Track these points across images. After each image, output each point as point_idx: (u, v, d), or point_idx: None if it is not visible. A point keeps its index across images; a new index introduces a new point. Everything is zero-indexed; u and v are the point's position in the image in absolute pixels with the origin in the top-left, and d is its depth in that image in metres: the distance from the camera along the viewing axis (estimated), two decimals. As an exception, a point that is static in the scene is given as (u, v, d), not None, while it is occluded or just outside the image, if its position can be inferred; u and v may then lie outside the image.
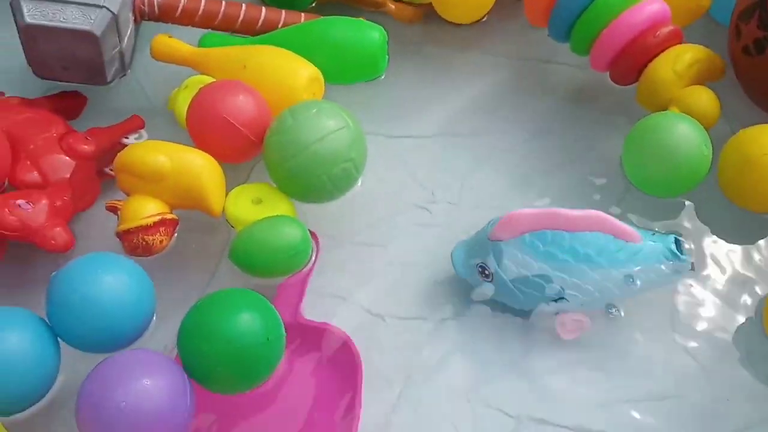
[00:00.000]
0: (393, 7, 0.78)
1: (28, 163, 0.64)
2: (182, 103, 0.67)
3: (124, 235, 0.60)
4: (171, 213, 0.61)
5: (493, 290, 0.60)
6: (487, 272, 0.59)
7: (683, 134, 0.63)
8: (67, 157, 0.65)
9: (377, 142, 0.69)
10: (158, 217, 0.59)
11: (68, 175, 0.64)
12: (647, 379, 0.59)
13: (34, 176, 0.64)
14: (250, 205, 0.61)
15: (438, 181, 0.70)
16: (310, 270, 0.62)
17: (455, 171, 0.71)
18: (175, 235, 0.61)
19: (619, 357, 0.60)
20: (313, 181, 0.60)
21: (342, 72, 0.71)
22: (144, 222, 0.59)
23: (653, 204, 0.67)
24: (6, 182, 0.63)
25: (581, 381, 0.59)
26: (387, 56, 0.72)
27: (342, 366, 0.58)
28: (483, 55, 0.79)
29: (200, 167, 0.60)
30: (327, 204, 0.64)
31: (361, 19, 0.72)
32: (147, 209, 0.60)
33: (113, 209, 0.62)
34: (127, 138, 0.69)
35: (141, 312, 0.55)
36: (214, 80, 0.67)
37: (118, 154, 0.62)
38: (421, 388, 0.59)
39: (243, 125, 0.62)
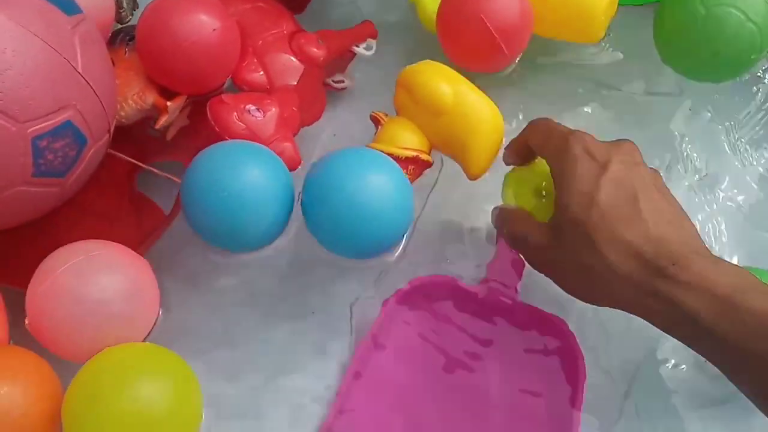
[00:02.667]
0: None
1: (255, 61, 0.52)
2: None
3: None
4: (428, 153, 0.48)
5: None
6: None
7: None
8: (296, 60, 0.52)
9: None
10: (414, 153, 0.46)
11: (296, 81, 0.52)
12: None
13: (260, 77, 0.51)
14: (531, 196, 0.45)
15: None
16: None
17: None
18: (421, 177, 0.48)
19: None
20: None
21: None
22: (398, 152, 0.46)
23: None
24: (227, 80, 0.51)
25: None
26: None
27: (562, 357, 0.45)
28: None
29: (482, 118, 0.46)
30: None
31: None
32: (406, 139, 0.47)
33: (376, 121, 0.49)
34: (357, 46, 0.56)
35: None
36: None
37: (407, 67, 0.48)
38: (649, 393, 0.46)
39: (498, 31, 0.48)
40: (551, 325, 0.45)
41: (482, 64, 0.52)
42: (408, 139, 0.47)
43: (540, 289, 0.46)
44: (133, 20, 0.54)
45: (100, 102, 0.38)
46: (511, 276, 0.46)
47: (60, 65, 0.36)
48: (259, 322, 0.48)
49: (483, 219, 0.50)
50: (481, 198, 0.50)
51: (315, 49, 0.53)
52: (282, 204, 0.43)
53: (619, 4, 0.53)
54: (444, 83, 0.46)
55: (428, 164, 0.48)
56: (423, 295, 0.46)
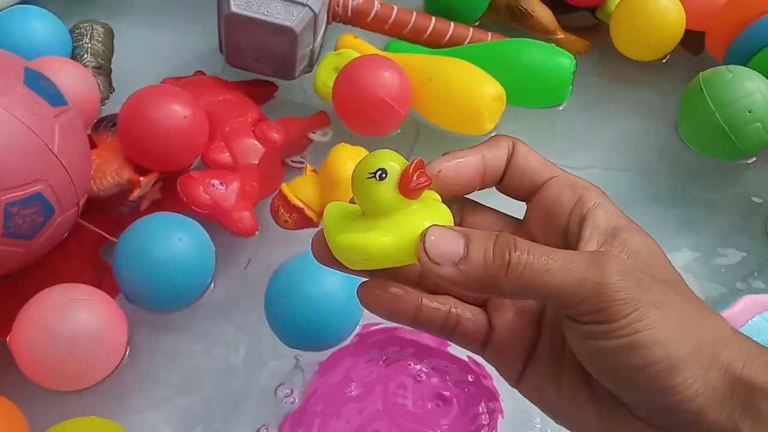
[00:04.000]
0: (563, 36, 0.65)
1: (222, 144, 0.56)
2: (323, 72, 0.59)
3: (280, 191, 0.53)
4: (316, 213, 0.51)
5: None
6: None
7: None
8: (258, 143, 0.56)
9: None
10: (301, 205, 0.51)
11: (257, 161, 0.55)
12: None
13: (226, 157, 0.55)
14: None
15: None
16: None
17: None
18: (306, 230, 0.52)
19: None
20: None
21: (526, 95, 0.59)
22: (290, 197, 0.51)
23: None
24: (197, 159, 0.55)
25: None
26: (572, 85, 0.59)
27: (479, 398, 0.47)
28: (655, 94, 0.64)
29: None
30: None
31: (552, 44, 0.60)
32: (305, 192, 0.51)
33: (304, 169, 0.54)
34: (313, 133, 0.60)
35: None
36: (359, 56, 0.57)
37: (342, 143, 0.53)
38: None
39: (391, 99, 0.54)
40: (470, 368, 0.47)
41: (379, 129, 0.57)
42: (307, 194, 0.51)
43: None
44: (110, 103, 0.59)
45: (71, 180, 0.42)
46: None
47: (37, 146, 0.40)
48: (214, 370, 0.49)
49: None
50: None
51: (275, 135, 0.57)
52: (201, 266, 0.47)
53: (510, 104, 0.57)
54: (351, 163, 0.49)
55: (311, 222, 0.51)
56: (359, 344, 0.48)
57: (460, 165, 0.26)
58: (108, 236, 0.48)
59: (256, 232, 0.52)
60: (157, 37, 0.67)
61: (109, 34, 0.62)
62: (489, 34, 0.62)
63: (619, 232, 0.25)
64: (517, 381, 0.27)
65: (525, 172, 0.27)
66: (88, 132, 0.55)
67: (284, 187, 0.52)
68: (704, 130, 0.56)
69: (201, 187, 0.51)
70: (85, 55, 0.58)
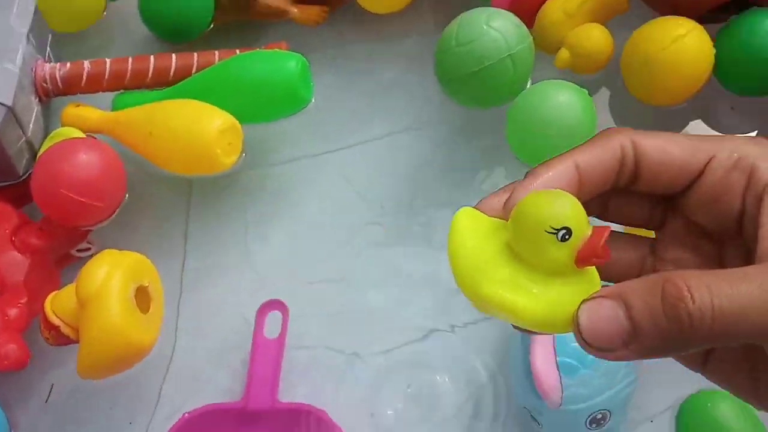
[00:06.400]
0: (296, 11, 0.56)
1: (-20, 270, 0.50)
2: None
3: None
4: (73, 329, 0.44)
5: None
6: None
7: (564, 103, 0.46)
8: (20, 255, 0.50)
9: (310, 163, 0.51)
10: (57, 322, 0.44)
11: (23, 277, 0.49)
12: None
13: (-12, 284, 0.49)
14: None
15: (385, 190, 0.52)
16: (282, 345, 0.46)
17: (400, 174, 0.52)
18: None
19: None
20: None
21: (263, 111, 0.51)
22: (48, 312, 0.44)
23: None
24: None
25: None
26: (311, 84, 0.51)
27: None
28: (413, 39, 0.56)
29: (103, 326, 0.42)
30: (276, 247, 0.49)
31: (276, 50, 0.51)
32: (67, 305, 0.44)
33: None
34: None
35: None
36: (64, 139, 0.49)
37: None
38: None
39: (79, 193, 0.46)
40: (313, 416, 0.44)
41: (83, 222, 0.50)
42: (68, 308, 0.44)
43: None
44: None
45: None
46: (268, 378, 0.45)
47: None
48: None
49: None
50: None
51: (34, 240, 0.50)
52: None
53: (252, 123, 0.51)
54: (106, 269, 0.42)
55: (69, 339, 0.44)
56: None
57: (546, 182, 0.22)
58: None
59: (28, 361, 0.46)
60: None
61: None
62: (216, 53, 0.53)
63: None
64: (702, 365, 0.22)
65: (671, 167, 0.22)
66: None
67: (49, 298, 0.45)
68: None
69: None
70: None
